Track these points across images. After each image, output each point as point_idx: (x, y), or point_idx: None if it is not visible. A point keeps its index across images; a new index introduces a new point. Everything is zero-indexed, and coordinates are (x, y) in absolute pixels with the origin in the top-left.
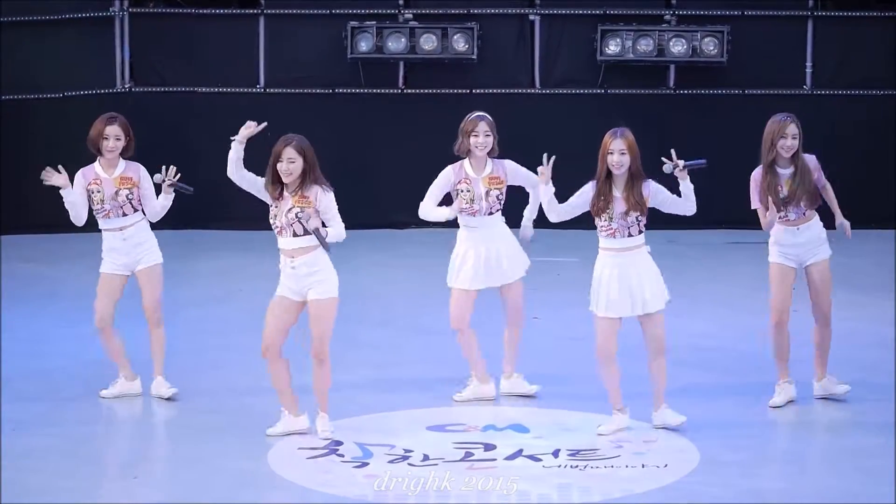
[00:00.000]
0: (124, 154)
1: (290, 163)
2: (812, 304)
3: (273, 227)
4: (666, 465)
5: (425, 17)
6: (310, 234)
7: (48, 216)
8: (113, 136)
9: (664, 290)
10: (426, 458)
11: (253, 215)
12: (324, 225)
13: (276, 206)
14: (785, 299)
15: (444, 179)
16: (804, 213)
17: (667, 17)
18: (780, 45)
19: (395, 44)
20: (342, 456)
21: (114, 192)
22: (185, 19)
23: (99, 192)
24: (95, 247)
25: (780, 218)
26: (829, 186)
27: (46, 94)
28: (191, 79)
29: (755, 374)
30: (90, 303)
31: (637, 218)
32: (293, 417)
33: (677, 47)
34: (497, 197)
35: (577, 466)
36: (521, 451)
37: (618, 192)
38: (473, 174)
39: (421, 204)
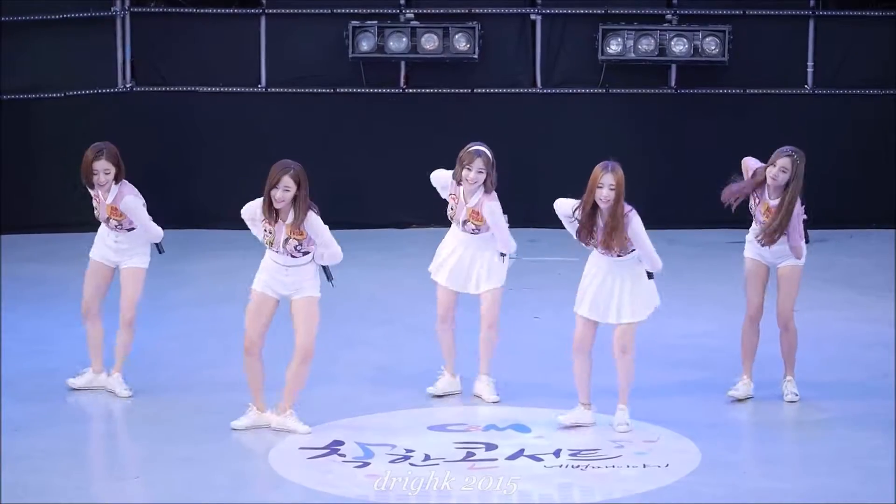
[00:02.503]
0: (117, 179)
1: (285, 191)
2: (776, 307)
3: (266, 244)
4: (667, 465)
5: (427, 16)
6: (307, 254)
7: (48, 216)
8: (102, 170)
9: (650, 300)
10: (427, 457)
11: None
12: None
13: (271, 233)
14: (758, 294)
15: (445, 178)
16: None
17: (668, 17)
18: (782, 45)
19: (397, 43)
20: (343, 456)
21: (106, 217)
22: (187, 19)
23: (96, 208)
24: None
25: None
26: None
27: (47, 94)
28: (192, 79)
29: (756, 374)
30: None
31: (619, 252)
32: (259, 413)
33: (679, 47)
34: (472, 230)
35: (578, 466)
36: (522, 450)
37: (601, 224)
38: (462, 198)
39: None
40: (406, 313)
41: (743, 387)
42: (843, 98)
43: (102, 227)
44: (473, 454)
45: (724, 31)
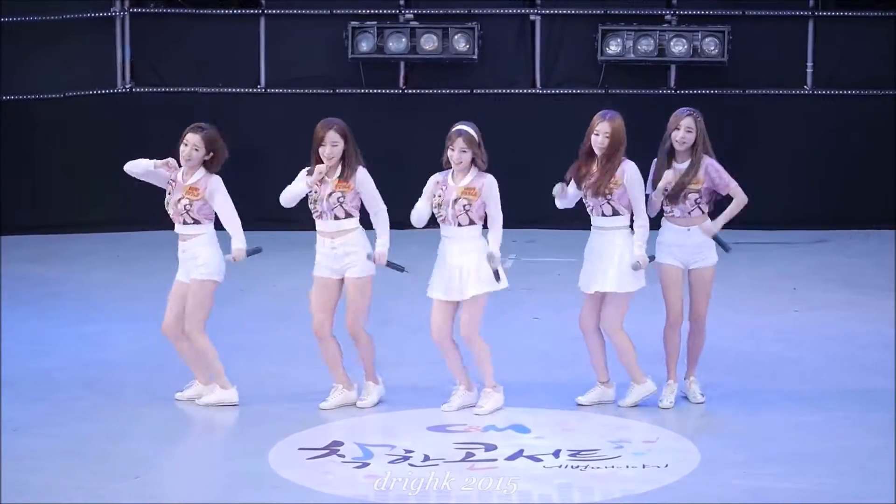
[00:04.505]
0: (208, 167)
1: (332, 146)
2: (690, 308)
3: (312, 210)
4: (666, 466)
5: (426, 17)
6: (350, 217)
7: (48, 216)
8: (191, 144)
9: (635, 279)
10: (427, 458)
11: (254, 216)
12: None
13: (317, 192)
14: (679, 299)
15: (429, 189)
16: (689, 213)
17: (667, 17)
18: (781, 45)
19: (396, 44)
20: (343, 456)
21: (177, 199)
22: (186, 19)
23: (170, 193)
24: (95, 247)
25: (666, 213)
26: (734, 192)
27: (47, 94)
28: (191, 79)
29: (755, 375)
30: (90, 303)
31: (608, 198)
32: (346, 391)
33: (678, 47)
34: (464, 207)
35: (577, 467)
36: (521, 451)
37: (595, 170)
38: (452, 182)
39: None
40: (406, 314)
41: (669, 393)
42: (842, 98)
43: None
44: (473, 455)
45: (723, 32)
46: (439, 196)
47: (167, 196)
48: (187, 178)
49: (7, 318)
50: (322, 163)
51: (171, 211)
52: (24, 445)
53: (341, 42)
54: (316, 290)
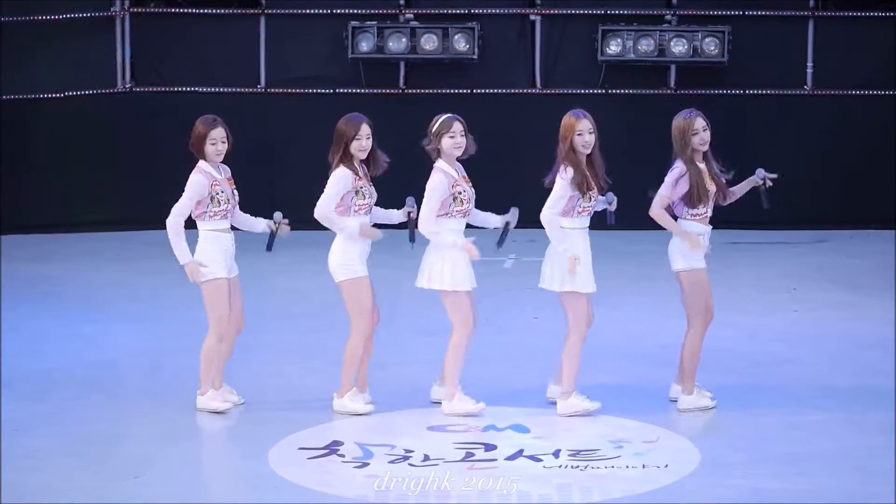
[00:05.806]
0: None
1: (367, 139)
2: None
3: (361, 207)
4: (666, 466)
5: (426, 17)
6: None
7: (48, 216)
8: (220, 139)
9: None
10: (427, 458)
11: (253, 216)
12: None
13: (363, 186)
14: (711, 303)
15: (442, 188)
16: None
17: (668, 17)
18: (781, 45)
19: (396, 44)
20: (343, 456)
21: (231, 192)
22: (186, 19)
23: (223, 192)
24: (95, 247)
25: (697, 216)
26: None
27: (46, 94)
28: (191, 79)
29: (755, 375)
30: (90, 303)
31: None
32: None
33: (678, 47)
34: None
35: (577, 467)
36: (521, 451)
37: (589, 171)
38: (456, 175)
39: (429, 226)
40: (406, 313)
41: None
42: (842, 98)
43: (219, 238)
44: (473, 454)
45: (723, 32)
46: (464, 192)
47: (218, 196)
48: (220, 172)
49: (7, 318)
50: (350, 158)
51: (230, 206)
52: (24, 445)
53: (341, 42)
54: (367, 290)
